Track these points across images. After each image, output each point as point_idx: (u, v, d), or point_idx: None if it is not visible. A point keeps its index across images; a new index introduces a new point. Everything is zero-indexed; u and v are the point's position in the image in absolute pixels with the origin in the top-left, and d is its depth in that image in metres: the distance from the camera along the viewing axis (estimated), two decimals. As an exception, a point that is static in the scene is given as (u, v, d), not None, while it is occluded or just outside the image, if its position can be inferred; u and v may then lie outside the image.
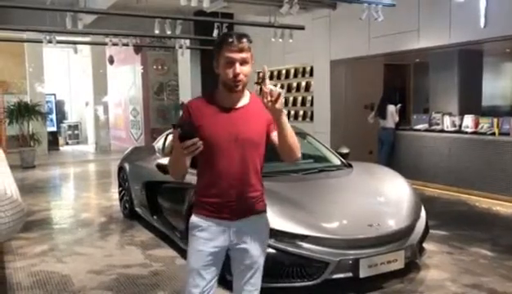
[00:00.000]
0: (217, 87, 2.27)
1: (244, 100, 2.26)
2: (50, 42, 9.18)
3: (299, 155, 2.26)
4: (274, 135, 2.24)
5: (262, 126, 2.27)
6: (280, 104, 1.98)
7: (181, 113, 2.44)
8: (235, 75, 2.14)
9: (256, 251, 2.30)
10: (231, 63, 2.14)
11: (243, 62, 2.15)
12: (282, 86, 11.59)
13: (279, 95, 1.96)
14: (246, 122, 2.23)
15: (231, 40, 2.13)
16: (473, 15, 6.96)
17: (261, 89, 1.98)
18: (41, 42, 9.52)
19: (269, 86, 1.98)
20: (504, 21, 6.68)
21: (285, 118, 2.08)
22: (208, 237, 2.24)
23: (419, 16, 7.89)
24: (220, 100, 2.24)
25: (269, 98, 1.98)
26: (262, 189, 2.35)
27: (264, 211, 2.36)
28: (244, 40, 2.15)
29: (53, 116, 16.40)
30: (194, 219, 2.29)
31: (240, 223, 2.26)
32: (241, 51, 2.14)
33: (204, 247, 2.24)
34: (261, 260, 2.34)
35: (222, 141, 2.18)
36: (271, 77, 11.99)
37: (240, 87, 2.18)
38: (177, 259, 4.71)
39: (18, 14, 9.86)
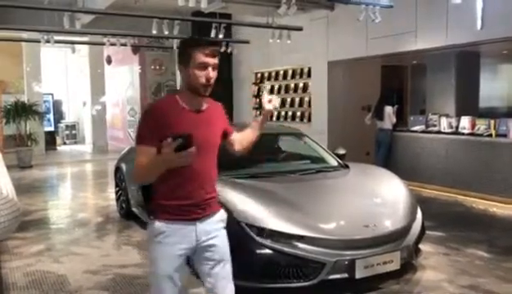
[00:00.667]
0: (179, 90, 2.29)
1: (205, 103, 2.31)
2: (48, 41, 9.17)
3: None
4: (233, 137, 2.53)
5: (220, 128, 2.40)
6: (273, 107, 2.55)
7: None
8: (208, 79, 2.19)
9: (224, 245, 2.35)
10: (205, 67, 2.17)
11: (214, 67, 2.20)
12: (280, 87, 11.64)
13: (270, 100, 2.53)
14: (211, 124, 2.31)
15: (205, 44, 2.18)
16: (470, 17, 6.99)
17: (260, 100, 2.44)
18: (39, 41, 9.51)
19: (269, 96, 2.55)
20: (500, 23, 6.70)
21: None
22: (175, 241, 2.22)
23: (417, 18, 7.91)
24: (186, 102, 2.24)
25: (272, 103, 2.53)
26: None
27: (221, 208, 2.43)
28: (216, 46, 2.24)
29: (51, 116, 16.35)
30: (158, 224, 2.23)
31: (206, 222, 2.29)
32: (214, 56, 2.19)
33: (174, 251, 2.22)
34: (228, 254, 2.38)
35: (196, 142, 2.14)
36: (269, 78, 12.02)
37: (208, 91, 2.23)
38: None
39: (16, 13, 9.85)
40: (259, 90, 12.43)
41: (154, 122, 2.17)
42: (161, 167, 2.07)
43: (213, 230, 2.31)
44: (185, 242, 2.24)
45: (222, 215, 2.40)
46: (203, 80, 2.17)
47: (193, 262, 2.37)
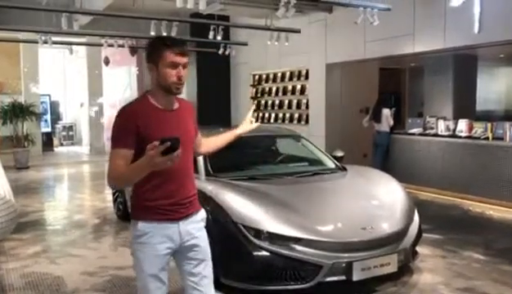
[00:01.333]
0: (150, 90, 2.29)
1: (177, 102, 2.33)
2: (45, 42, 9.14)
3: None
4: (199, 138, 2.58)
5: (193, 127, 2.42)
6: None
7: None
8: (179, 78, 2.19)
9: (205, 244, 2.37)
10: (175, 66, 2.18)
11: (184, 66, 2.21)
12: (278, 89, 11.67)
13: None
14: (185, 122, 2.33)
15: (174, 43, 2.19)
16: (468, 21, 7.01)
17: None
18: (36, 42, 9.49)
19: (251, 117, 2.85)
20: (497, 27, 6.73)
21: None
22: (159, 240, 2.23)
23: (415, 21, 7.93)
24: (158, 102, 2.25)
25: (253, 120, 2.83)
26: None
27: (201, 207, 2.43)
28: (185, 45, 2.23)
29: (48, 117, 16.33)
30: (140, 225, 2.23)
31: (187, 220, 2.30)
32: (184, 55, 2.20)
33: (158, 251, 2.23)
34: (209, 254, 2.40)
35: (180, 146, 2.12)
36: (267, 80, 12.03)
37: (180, 90, 2.24)
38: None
39: (14, 14, 9.84)
40: (257, 92, 12.45)
41: (129, 125, 2.16)
42: (145, 170, 2.00)
43: (196, 230, 2.33)
44: (169, 241, 2.25)
45: (202, 214, 2.42)
46: (174, 79, 2.18)
47: (175, 261, 2.39)
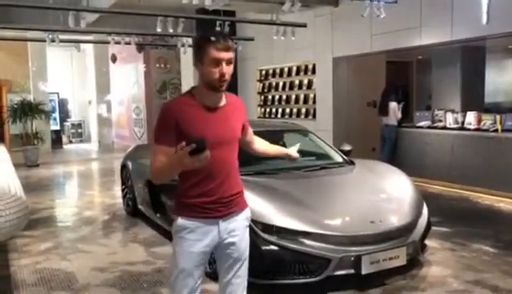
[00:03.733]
0: (197, 86, 2.28)
1: (223, 99, 2.29)
2: (53, 41, 9.19)
3: None
4: (250, 132, 2.60)
5: (239, 124, 2.39)
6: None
7: None
8: (222, 75, 2.15)
9: (243, 244, 2.37)
10: (218, 63, 2.14)
11: (228, 62, 2.17)
12: (284, 84, 11.65)
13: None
14: (230, 120, 2.30)
15: (217, 39, 2.14)
16: (476, 12, 6.95)
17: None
18: (44, 41, 9.55)
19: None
20: (506, 18, 6.66)
21: None
22: (197, 238, 2.24)
23: (421, 13, 7.87)
24: (202, 99, 2.23)
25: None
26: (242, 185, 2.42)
27: (247, 206, 2.43)
28: (230, 39, 2.18)
29: (56, 114, 16.46)
30: (180, 221, 2.25)
31: (229, 219, 2.29)
32: (228, 50, 2.15)
33: (195, 248, 2.24)
34: (247, 253, 2.40)
35: (211, 141, 2.08)
36: (273, 75, 12.01)
37: (224, 87, 2.20)
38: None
39: (21, 13, 9.89)
40: (264, 87, 12.45)
41: (168, 122, 2.18)
42: (177, 167, 2.07)
43: (237, 228, 2.32)
44: (207, 239, 2.25)
45: (247, 213, 2.40)
46: (217, 76, 2.14)
47: (214, 257, 2.41)
